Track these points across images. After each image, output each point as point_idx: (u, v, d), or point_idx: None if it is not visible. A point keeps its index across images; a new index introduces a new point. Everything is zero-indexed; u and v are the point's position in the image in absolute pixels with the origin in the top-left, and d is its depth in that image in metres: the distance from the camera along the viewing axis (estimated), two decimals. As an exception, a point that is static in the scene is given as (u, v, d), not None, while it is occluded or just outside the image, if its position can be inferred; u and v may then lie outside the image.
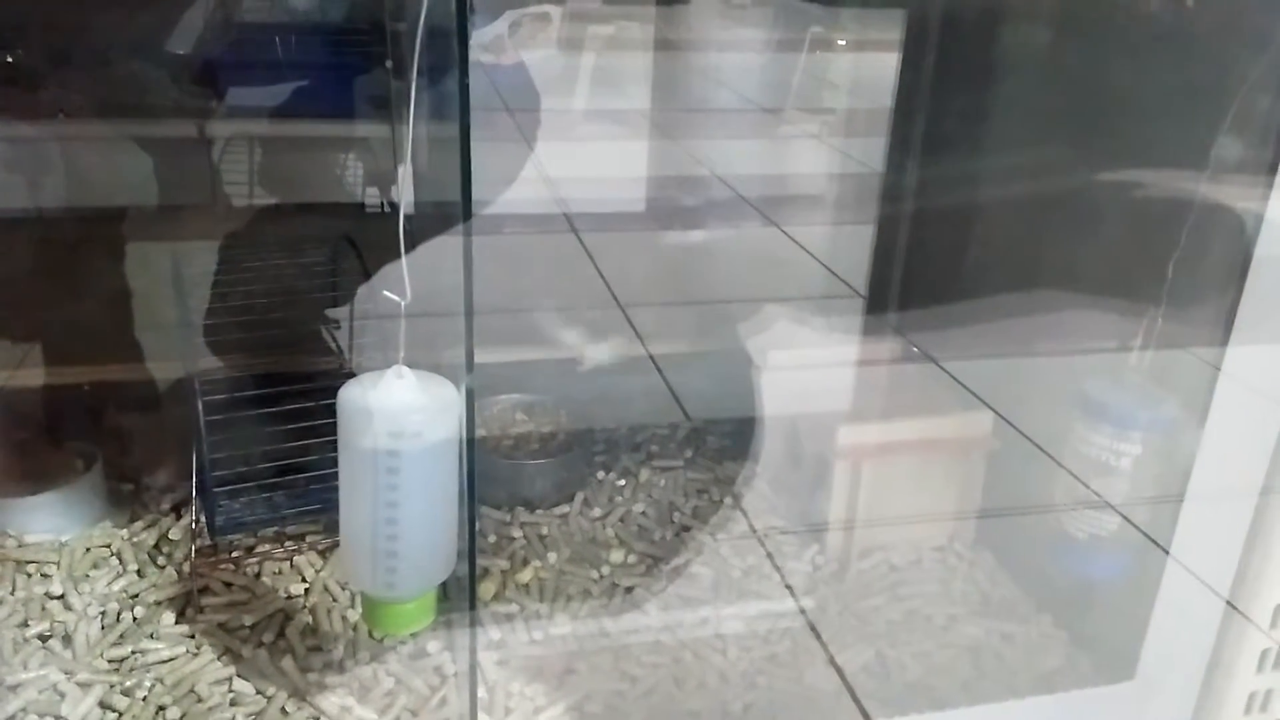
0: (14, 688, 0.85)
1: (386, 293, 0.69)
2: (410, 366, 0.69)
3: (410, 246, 1.39)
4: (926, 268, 1.30)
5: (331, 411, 0.71)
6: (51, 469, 1.08)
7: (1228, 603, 0.90)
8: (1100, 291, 0.97)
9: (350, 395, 0.69)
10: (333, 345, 1.29)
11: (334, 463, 0.75)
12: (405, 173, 1.59)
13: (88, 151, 1.48)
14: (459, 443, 0.72)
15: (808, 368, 1.30)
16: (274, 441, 1.02)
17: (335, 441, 0.71)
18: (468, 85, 0.70)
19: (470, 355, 0.69)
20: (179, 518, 1.09)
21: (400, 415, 0.68)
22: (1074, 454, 0.90)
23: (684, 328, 1.67)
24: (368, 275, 1.27)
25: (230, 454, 1.03)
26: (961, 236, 1.21)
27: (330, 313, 1.34)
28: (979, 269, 1.18)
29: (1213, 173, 0.86)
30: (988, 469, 1.09)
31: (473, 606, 0.78)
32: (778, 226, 2.15)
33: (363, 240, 1.28)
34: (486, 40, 1.91)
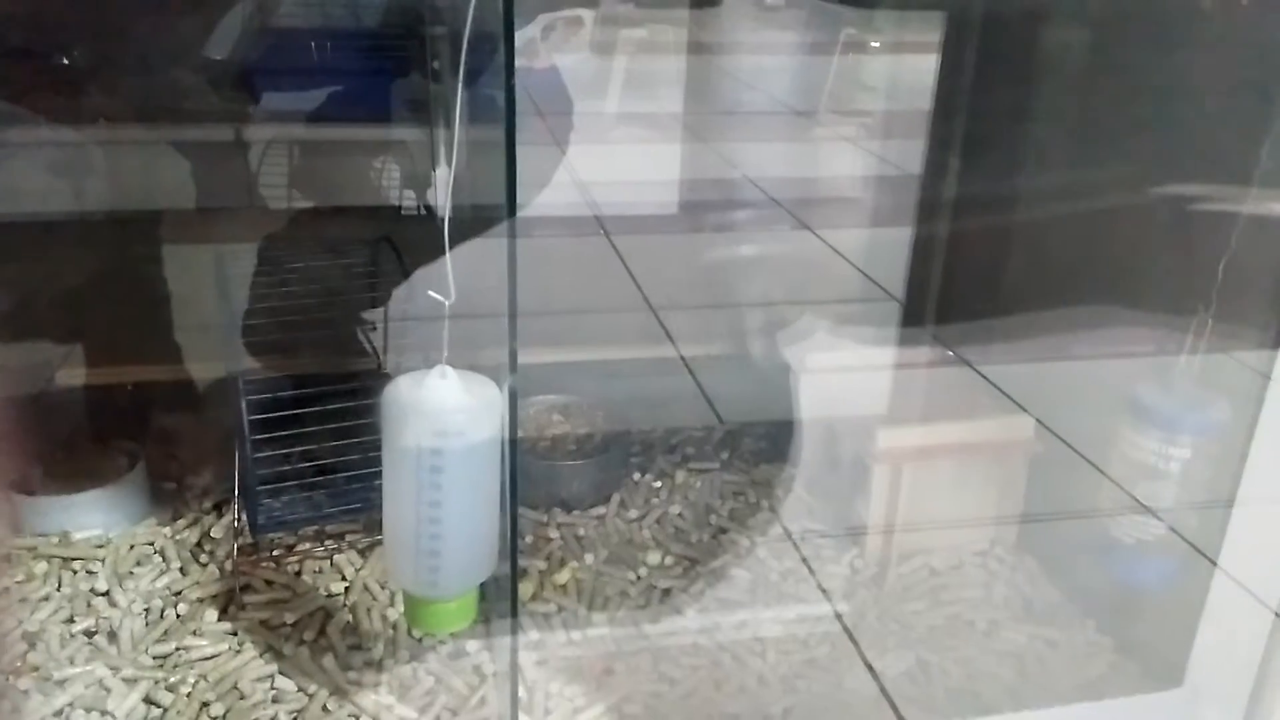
0: (61, 682, 0.86)
1: (431, 293, 0.69)
2: (452, 366, 0.69)
3: (448, 248, 1.40)
4: (964, 271, 1.28)
5: (371, 412, 0.71)
6: (96, 467, 1.10)
7: (1276, 614, 0.88)
8: (1146, 295, 0.96)
9: (394, 394, 0.70)
10: (369, 346, 1.30)
11: (375, 462, 0.76)
12: (448, 175, 1.60)
13: (128, 155, 1.50)
14: (501, 443, 0.72)
15: (844, 371, 1.29)
16: (315, 441, 1.03)
17: (376, 441, 0.72)
18: (514, 89, 0.71)
19: (514, 356, 0.69)
20: (220, 516, 1.10)
21: (444, 414, 0.68)
22: (1121, 458, 0.89)
23: (718, 330, 1.67)
24: (406, 276, 1.28)
25: (272, 453, 1.04)
26: (1001, 240, 1.20)
27: (367, 314, 1.34)
28: (1019, 273, 1.17)
29: (1263, 175, 0.84)
30: (1030, 473, 1.08)
31: (515, 609, 0.78)
32: (811, 230, 2.15)
33: (400, 242, 1.29)
34: (519, 44, 1.91)
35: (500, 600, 0.81)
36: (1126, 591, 0.96)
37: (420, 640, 0.94)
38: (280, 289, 1.35)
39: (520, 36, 2.01)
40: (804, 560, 1.08)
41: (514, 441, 0.70)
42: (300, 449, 1.02)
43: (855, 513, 1.10)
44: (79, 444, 1.13)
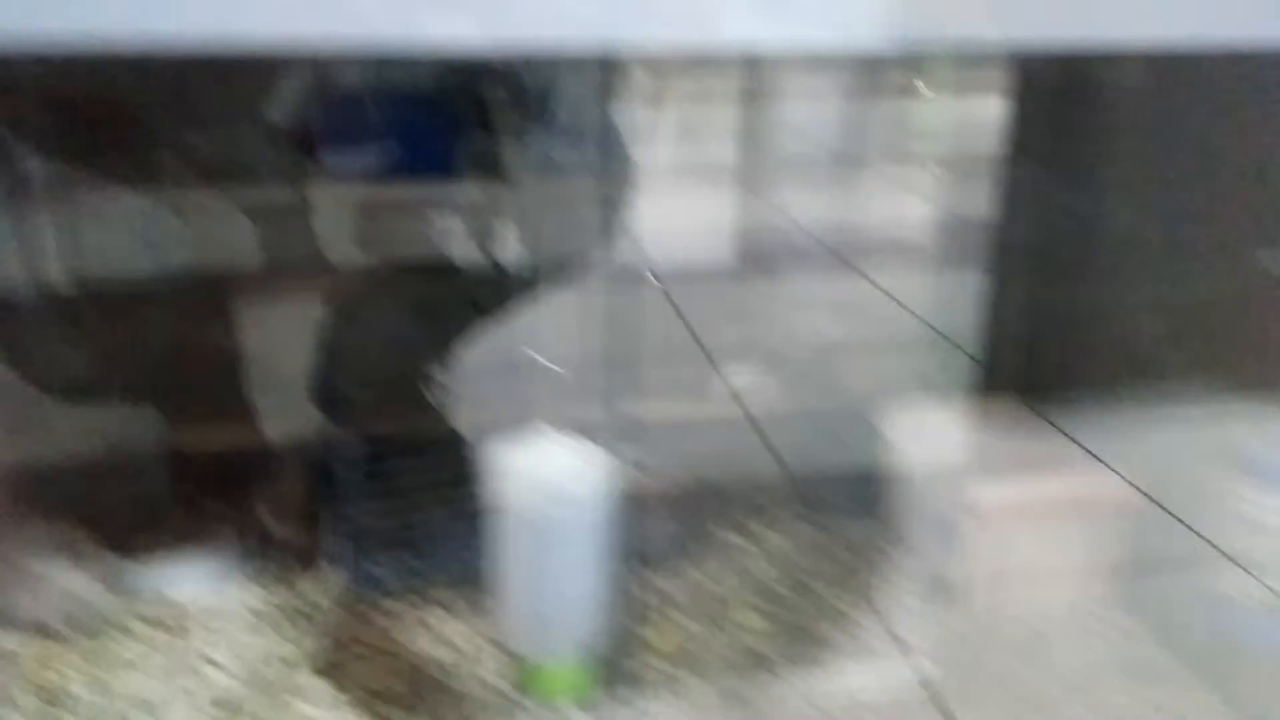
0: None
1: (534, 355, 0.70)
2: (540, 425, 0.70)
3: (515, 304, 1.41)
4: (1043, 322, 1.28)
5: (458, 474, 0.72)
6: (190, 530, 1.11)
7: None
8: (1240, 345, 0.95)
9: (502, 458, 0.71)
10: (438, 405, 1.31)
11: (468, 523, 0.77)
12: (522, 232, 1.63)
13: (198, 217, 1.53)
14: (603, 505, 0.73)
15: (927, 424, 1.29)
16: (407, 503, 1.05)
17: (467, 503, 0.73)
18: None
19: (618, 417, 0.70)
20: (312, 578, 1.11)
21: (553, 478, 0.69)
22: (1228, 514, 0.88)
23: (784, 382, 1.67)
24: (472, 334, 1.30)
25: (364, 516, 1.06)
26: (1080, 288, 1.19)
27: (437, 372, 1.35)
28: (1102, 322, 1.17)
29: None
30: (1128, 529, 1.07)
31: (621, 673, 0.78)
32: (867, 278, 2.15)
33: (467, 299, 1.31)
34: (571, 100, 1.94)
35: (605, 666, 0.81)
36: (1236, 651, 0.95)
37: (526, 708, 0.94)
38: (350, 347, 1.37)
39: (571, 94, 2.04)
40: (894, 619, 1.07)
41: (617, 504, 0.71)
42: (393, 511, 1.03)
43: (945, 570, 1.10)
44: (172, 507, 1.15)
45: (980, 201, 1.43)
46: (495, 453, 0.70)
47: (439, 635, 1.02)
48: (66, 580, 1.00)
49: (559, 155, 1.87)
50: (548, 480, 0.68)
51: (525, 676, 0.75)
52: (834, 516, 1.24)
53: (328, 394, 1.37)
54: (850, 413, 1.42)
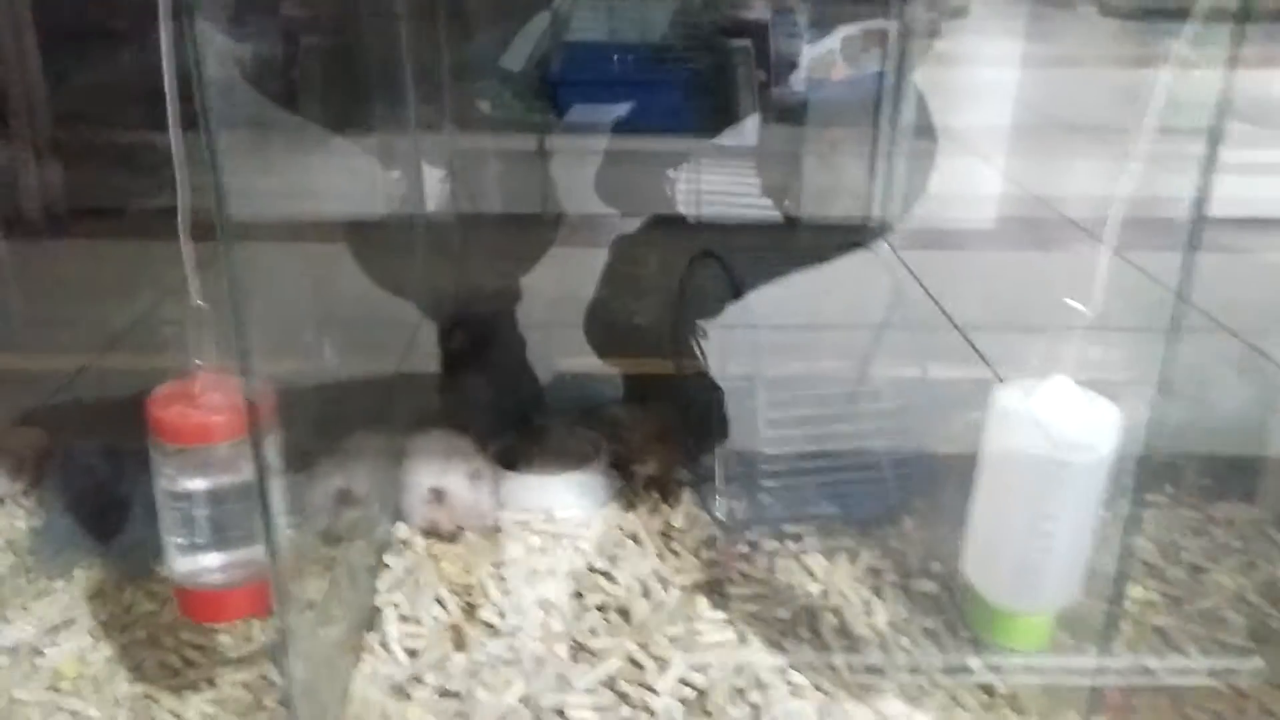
0: (594, 653, 0.91)
1: (1069, 301, 0.68)
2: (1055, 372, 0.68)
3: (804, 259, 1.39)
4: None
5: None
6: (566, 451, 1.16)
7: None
8: None
9: (1010, 402, 0.69)
10: (699, 352, 1.31)
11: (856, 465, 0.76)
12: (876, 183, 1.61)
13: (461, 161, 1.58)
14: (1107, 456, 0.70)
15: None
16: (792, 439, 1.05)
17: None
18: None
19: (1164, 376, 0.67)
20: (673, 506, 1.13)
21: (1075, 426, 0.67)
22: None
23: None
24: (739, 287, 1.28)
25: (742, 449, 1.07)
26: None
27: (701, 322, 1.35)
28: None
29: None
30: None
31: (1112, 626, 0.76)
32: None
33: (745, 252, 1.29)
34: (817, 56, 1.90)
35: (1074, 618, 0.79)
36: None
37: (910, 651, 0.93)
38: (622, 289, 1.39)
39: (820, 47, 1.99)
40: None
41: (1144, 462, 0.68)
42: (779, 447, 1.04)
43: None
44: (553, 429, 1.20)
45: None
46: (1008, 398, 0.68)
47: (807, 571, 1.02)
48: (462, 489, 1.06)
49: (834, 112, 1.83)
50: (1070, 429, 0.66)
51: (991, 623, 0.74)
52: (1205, 497, 1.17)
53: (599, 330, 1.41)
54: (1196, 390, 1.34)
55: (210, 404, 0.67)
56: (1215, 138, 0.60)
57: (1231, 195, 0.72)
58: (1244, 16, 0.58)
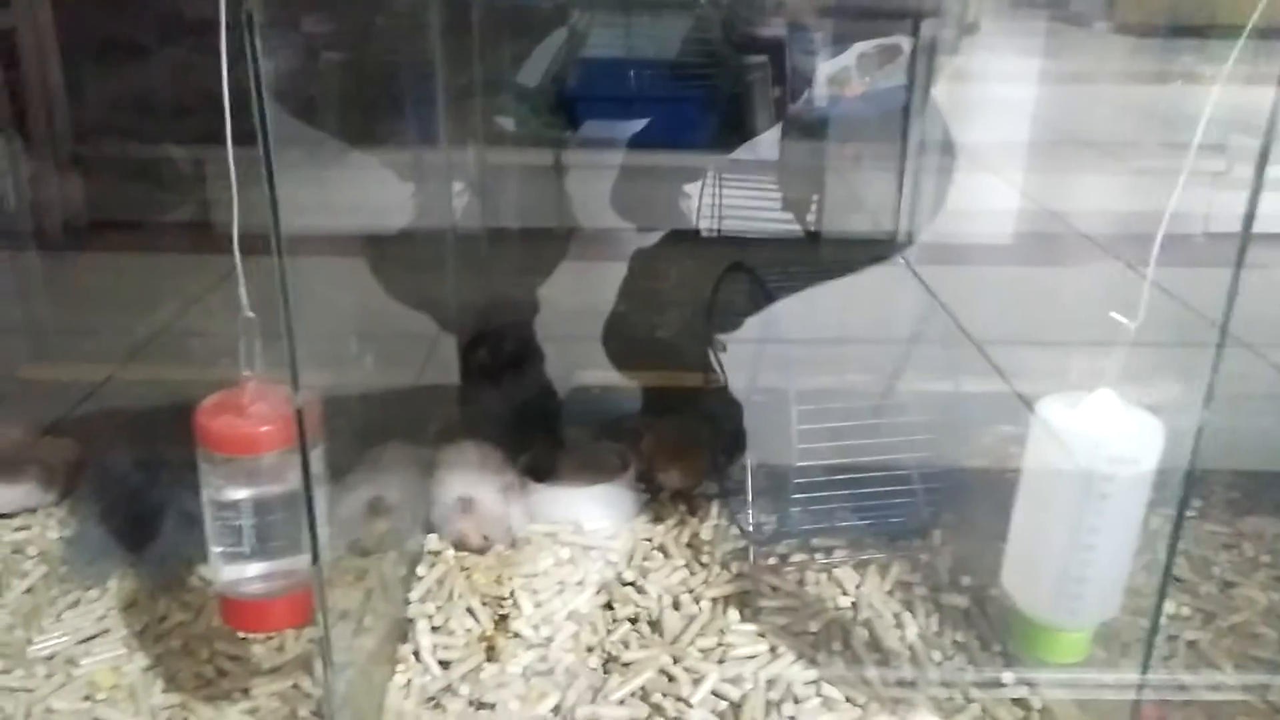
0: (627, 664, 0.91)
1: (1115, 315, 0.68)
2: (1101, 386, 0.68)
3: (827, 273, 1.39)
4: None
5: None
6: (594, 463, 1.16)
7: None
8: None
9: (1054, 414, 0.69)
10: (717, 366, 1.31)
11: (886, 479, 0.77)
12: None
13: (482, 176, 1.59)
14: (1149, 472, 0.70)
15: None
16: (822, 453, 1.05)
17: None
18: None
19: (1210, 389, 0.67)
20: (700, 520, 1.14)
21: (1119, 440, 0.67)
22: None
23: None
24: (769, 300, 1.29)
25: (766, 462, 1.08)
26: None
27: (721, 336, 1.36)
28: None
29: None
30: None
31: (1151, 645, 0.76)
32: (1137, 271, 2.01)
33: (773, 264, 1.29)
34: (833, 72, 1.91)
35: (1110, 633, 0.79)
36: None
37: (940, 665, 0.93)
38: (642, 303, 1.40)
39: (836, 63, 2.00)
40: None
41: (1190, 476, 0.68)
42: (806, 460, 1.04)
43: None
44: (581, 442, 1.20)
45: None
46: (1051, 410, 0.68)
47: (836, 584, 1.03)
48: (492, 501, 1.06)
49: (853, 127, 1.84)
50: (1114, 442, 0.66)
51: (1030, 637, 0.74)
52: (1235, 511, 1.17)
53: (619, 343, 1.42)
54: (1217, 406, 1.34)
55: (259, 414, 0.68)
56: (1264, 156, 0.60)
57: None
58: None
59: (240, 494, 0.69)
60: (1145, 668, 0.75)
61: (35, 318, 1.69)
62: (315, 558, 0.69)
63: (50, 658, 0.90)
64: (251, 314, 0.66)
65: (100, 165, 1.95)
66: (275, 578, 0.72)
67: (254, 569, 0.71)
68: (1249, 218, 0.62)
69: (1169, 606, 1.01)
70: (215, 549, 0.71)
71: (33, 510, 1.10)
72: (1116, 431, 0.67)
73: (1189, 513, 1.14)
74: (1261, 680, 0.92)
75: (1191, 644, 0.97)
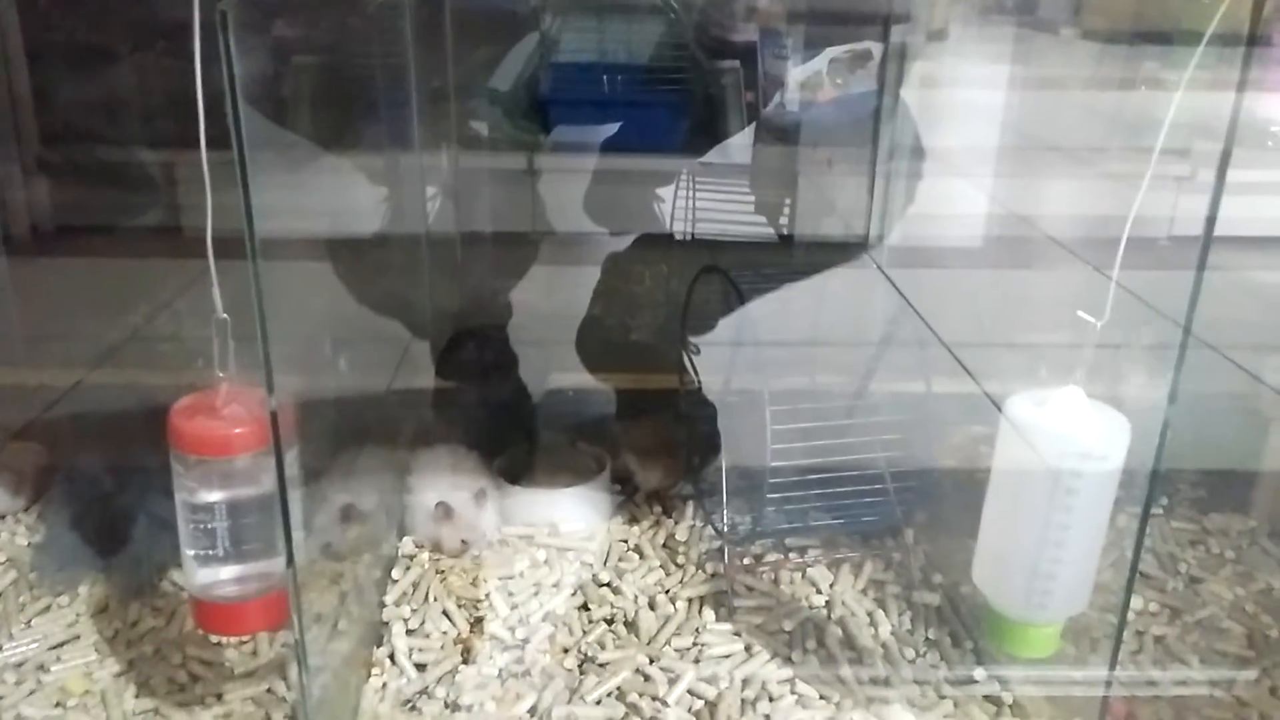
0: (603, 665, 0.91)
1: (1081, 314, 0.69)
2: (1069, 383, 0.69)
3: (799, 274, 1.41)
4: None
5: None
6: (569, 465, 1.17)
7: None
8: None
9: (1021, 412, 0.70)
10: (691, 368, 1.32)
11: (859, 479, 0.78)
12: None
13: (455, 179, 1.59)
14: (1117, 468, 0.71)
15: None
16: (795, 453, 1.06)
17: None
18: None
19: (1175, 386, 0.68)
20: (674, 520, 1.14)
21: (1086, 436, 0.68)
22: None
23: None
24: (742, 302, 1.30)
25: (740, 463, 1.08)
26: None
27: (694, 339, 1.36)
28: None
29: None
30: None
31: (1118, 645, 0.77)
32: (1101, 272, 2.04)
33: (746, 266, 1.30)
34: (805, 77, 1.93)
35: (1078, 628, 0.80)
36: None
37: (913, 662, 0.94)
38: (613, 307, 1.40)
39: (807, 69, 2.02)
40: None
41: (1156, 474, 0.69)
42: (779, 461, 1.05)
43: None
44: (558, 445, 1.21)
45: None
46: (1019, 408, 0.69)
47: (810, 584, 1.03)
48: (467, 506, 1.06)
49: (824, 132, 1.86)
50: (1082, 438, 0.67)
51: (1001, 633, 0.75)
52: (1201, 509, 1.19)
53: (592, 346, 1.42)
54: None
55: (232, 416, 0.67)
56: (1225, 159, 0.62)
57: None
58: (1251, 40, 0.60)
59: (214, 496, 0.68)
60: (1113, 664, 0.76)
61: (2, 322, 1.67)
62: (290, 560, 0.68)
63: (20, 664, 0.89)
64: (225, 315, 0.66)
65: (68, 169, 1.93)
66: (249, 581, 0.72)
67: (228, 572, 0.71)
68: (1210, 221, 0.63)
69: (1137, 603, 1.02)
70: (188, 552, 0.71)
71: (1, 516, 1.09)
72: (1083, 428, 0.68)
73: (1156, 510, 1.17)
74: (1227, 675, 0.94)
75: (1159, 640, 0.98)
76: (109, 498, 1.07)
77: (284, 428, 0.66)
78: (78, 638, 0.93)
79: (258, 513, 0.70)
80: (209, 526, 0.69)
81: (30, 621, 0.95)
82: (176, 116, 0.64)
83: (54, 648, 0.91)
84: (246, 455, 0.68)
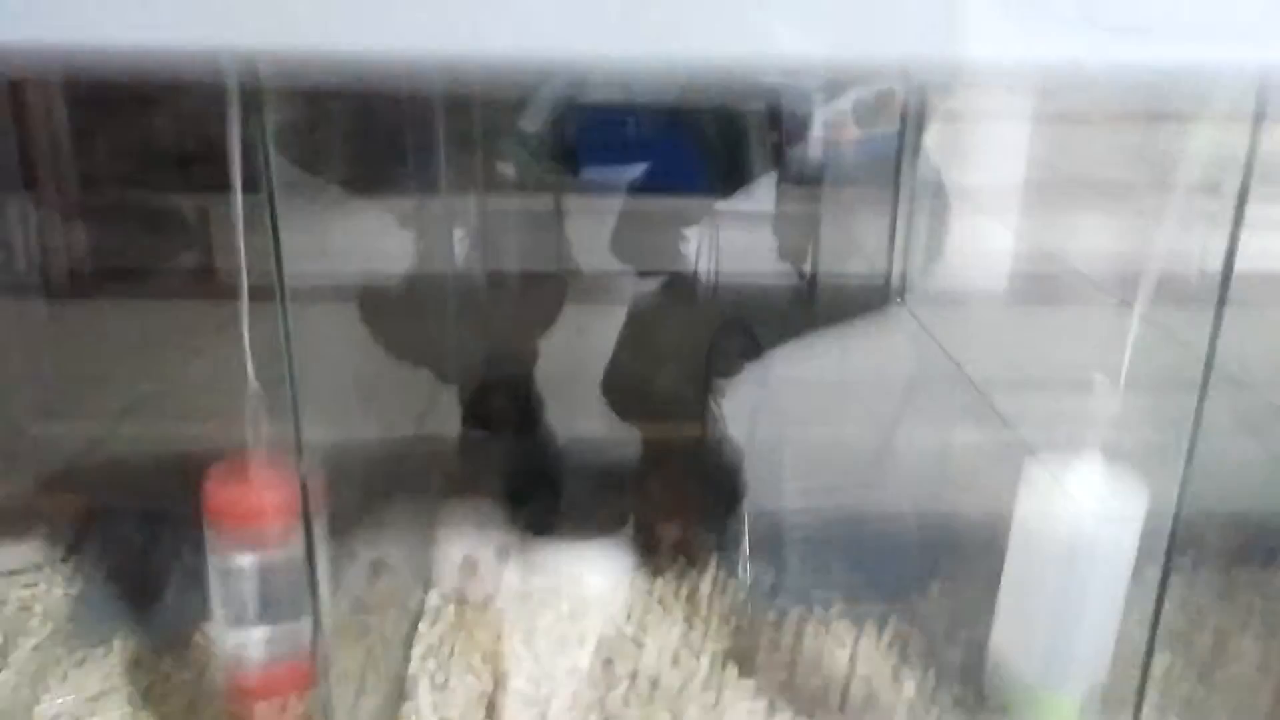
0: (626, 723, 0.91)
1: (1097, 376, 0.70)
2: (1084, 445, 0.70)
3: (825, 323, 1.41)
4: None
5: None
6: (595, 518, 1.18)
7: None
8: None
9: (1041, 478, 0.71)
10: (717, 415, 1.33)
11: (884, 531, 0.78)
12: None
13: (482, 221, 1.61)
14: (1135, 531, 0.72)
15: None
16: (818, 504, 1.07)
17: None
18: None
19: (1193, 447, 0.68)
20: (698, 572, 1.15)
21: (1105, 500, 0.69)
22: None
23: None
24: (759, 348, 1.31)
25: (768, 519, 1.09)
26: None
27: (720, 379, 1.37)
28: None
29: None
30: None
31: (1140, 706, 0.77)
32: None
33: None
34: (829, 118, 1.94)
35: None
36: None
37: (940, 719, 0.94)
38: (640, 352, 1.41)
39: (831, 109, 2.04)
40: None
41: (1173, 535, 0.69)
42: (805, 520, 1.06)
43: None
44: (574, 493, 1.22)
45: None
46: (1039, 473, 0.70)
47: (836, 640, 1.03)
48: (488, 558, 1.07)
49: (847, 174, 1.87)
50: (1103, 505, 0.67)
51: (1021, 703, 0.75)
52: (1225, 561, 1.18)
53: (619, 391, 1.43)
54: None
55: (265, 484, 0.69)
56: (1244, 195, 0.62)
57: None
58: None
59: (245, 562, 0.70)
60: (1137, 727, 0.75)
61: (40, 370, 1.71)
62: (316, 624, 0.70)
63: (57, 716, 0.91)
64: (258, 386, 0.68)
65: (103, 214, 1.98)
66: (279, 643, 0.73)
67: (258, 634, 0.72)
68: (1230, 254, 0.64)
69: (1164, 660, 1.01)
70: (219, 614, 0.73)
71: (39, 567, 1.11)
72: (1102, 496, 0.69)
73: (1181, 560, 1.16)
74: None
75: (1185, 699, 0.97)
76: (145, 548, 1.09)
77: (314, 494, 0.68)
78: (113, 690, 0.94)
79: (287, 576, 0.71)
80: (239, 590, 0.71)
81: (67, 674, 0.96)
82: (206, 162, 0.66)
83: (89, 700, 0.93)
84: (277, 523, 0.69)
